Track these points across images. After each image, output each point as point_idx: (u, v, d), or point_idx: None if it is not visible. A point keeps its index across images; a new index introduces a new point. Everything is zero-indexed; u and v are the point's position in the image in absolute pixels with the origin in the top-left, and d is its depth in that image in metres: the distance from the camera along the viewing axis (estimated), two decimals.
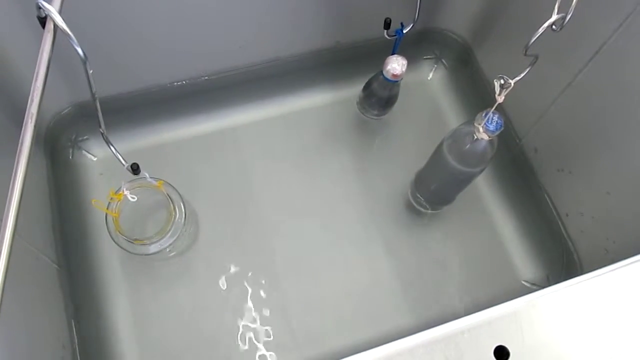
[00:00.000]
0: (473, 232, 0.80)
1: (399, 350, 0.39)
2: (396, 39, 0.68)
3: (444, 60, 0.91)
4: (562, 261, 0.75)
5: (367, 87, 0.77)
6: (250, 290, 0.74)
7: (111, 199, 0.59)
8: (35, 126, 0.36)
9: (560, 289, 0.43)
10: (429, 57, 0.91)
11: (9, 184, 0.33)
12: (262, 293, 0.74)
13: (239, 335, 0.71)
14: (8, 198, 0.34)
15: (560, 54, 0.66)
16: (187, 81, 0.82)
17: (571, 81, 0.66)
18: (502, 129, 0.57)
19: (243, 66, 0.83)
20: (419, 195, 0.76)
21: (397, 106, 0.81)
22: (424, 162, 0.72)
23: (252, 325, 0.72)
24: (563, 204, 0.74)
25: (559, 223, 0.75)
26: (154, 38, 0.72)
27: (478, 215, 0.81)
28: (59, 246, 0.71)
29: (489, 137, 0.58)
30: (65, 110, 0.78)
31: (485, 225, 0.80)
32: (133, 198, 0.61)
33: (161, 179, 0.66)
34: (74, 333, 0.67)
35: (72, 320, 0.68)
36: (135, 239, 0.63)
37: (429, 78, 0.90)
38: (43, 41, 0.38)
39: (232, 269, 0.75)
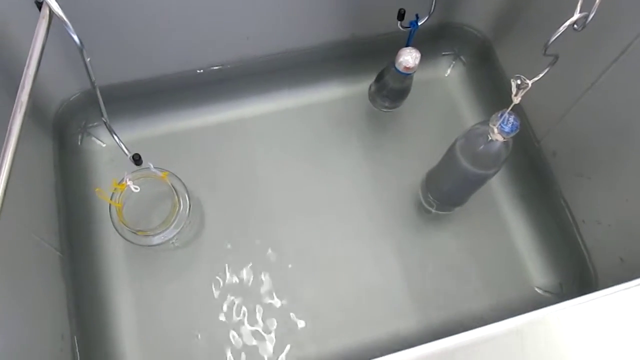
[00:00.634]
0: (485, 234, 0.77)
1: None
2: (410, 31, 0.66)
3: (462, 57, 0.88)
4: (576, 269, 0.73)
5: (379, 79, 0.75)
6: (254, 284, 0.73)
7: (114, 189, 0.58)
8: (25, 114, 0.34)
9: (568, 307, 0.40)
10: (447, 52, 0.88)
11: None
12: (266, 288, 0.73)
13: (241, 329, 0.70)
14: None
15: (582, 54, 0.63)
16: (198, 71, 0.81)
17: (594, 82, 0.63)
18: (518, 130, 0.55)
19: (254, 57, 0.81)
20: (429, 195, 0.74)
21: (412, 102, 0.79)
22: (436, 160, 0.70)
23: (255, 320, 0.71)
24: (580, 211, 0.71)
25: (575, 230, 0.72)
26: (165, 26, 0.70)
27: (491, 218, 0.78)
28: (64, 233, 0.71)
29: (504, 138, 0.55)
30: (75, 97, 0.77)
31: (498, 229, 0.78)
32: (136, 189, 0.60)
33: (166, 170, 0.65)
34: (74, 323, 0.66)
35: (73, 310, 0.67)
36: (139, 230, 0.62)
37: (446, 74, 0.88)
38: (37, 27, 0.36)
39: (237, 262, 0.74)
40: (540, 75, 0.49)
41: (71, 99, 0.77)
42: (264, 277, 0.73)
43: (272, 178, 0.79)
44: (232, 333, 0.70)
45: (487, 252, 0.76)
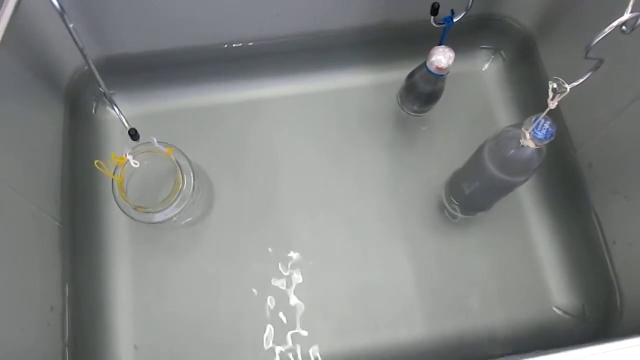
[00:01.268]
0: (507, 244, 0.72)
1: None
2: (444, 27, 0.61)
3: (502, 52, 0.82)
4: (601, 292, 0.67)
5: (409, 78, 0.69)
6: (257, 273, 0.70)
7: (112, 161, 0.55)
8: None
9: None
10: (486, 46, 0.83)
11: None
12: (268, 278, 0.70)
13: (232, 315, 0.68)
14: None
15: (631, 60, 0.57)
16: (220, 46, 0.77)
17: None
18: (553, 138, 0.50)
19: (281, 36, 0.77)
20: (452, 198, 0.69)
21: (444, 95, 0.73)
22: (463, 162, 0.65)
23: (254, 308, 0.68)
24: (612, 231, 0.66)
25: (604, 250, 0.67)
26: None
27: (515, 227, 0.73)
28: (66, 203, 0.69)
29: (536, 145, 0.51)
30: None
31: (522, 239, 0.72)
32: (136, 164, 0.57)
33: (173, 146, 0.62)
34: (67, 296, 0.65)
35: (67, 283, 0.65)
36: (138, 206, 0.60)
37: (483, 69, 0.82)
38: None
39: (243, 248, 0.71)
40: (581, 80, 0.45)
41: (86, 67, 0.74)
42: (268, 267, 0.70)
43: (288, 164, 0.75)
44: (226, 319, 0.68)
45: (507, 262, 0.71)
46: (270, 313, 0.68)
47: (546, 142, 0.50)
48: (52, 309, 0.61)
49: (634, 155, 0.60)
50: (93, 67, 0.47)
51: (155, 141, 0.58)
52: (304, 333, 0.67)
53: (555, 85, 0.46)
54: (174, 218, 0.64)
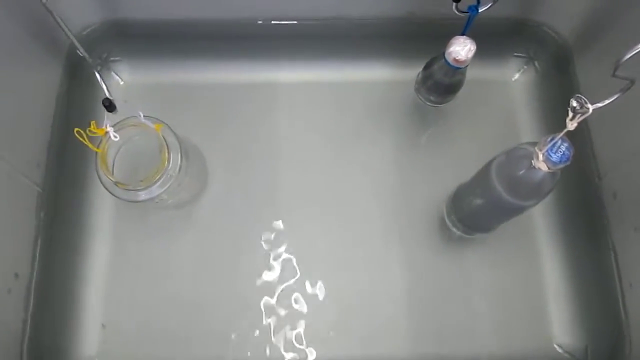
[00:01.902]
0: (511, 269, 0.66)
1: None
2: (468, 16, 0.55)
3: (536, 63, 0.76)
4: (609, 336, 0.61)
5: (427, 67, 0.64)
6: (241, 265, 0.66)
7: (90, 131, 0.52)
8: None
9: None
10: (520, 54, 0.76)
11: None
12: (253, 270, 0.66)
13: (208, 304, 0.65)
14: None
15: None
16: (237, 21, 0.73)
17: None
18: (568, 163, 0.44)
19: (297, 17, 0.72)
20: (453, 214, 0.64)
21: (464, 101, 0.68)
22: (472, 174, 0.60)
23: (231, 298, 0.65)
24: (629, 271, 0.60)
25: (618, 292, 0.61)
26: None
27: (521, 252, 0.67)
28: (51, 170, 0.66)
29: (549, 168, 0.45)
30: (95, 26, 0.71)
31: (528, 266, 0.66)
32: (116, 137, 0.53)
33: (162, 122, 0.58)
34: (36, 265, 0.62)
35: (38, 252, 0.63)
36: (118, 182, 0.56)
37: (513, 79, 0.76)
38: None
39: (230, 237, 0.67)
40: (607, 101, 0.39)
41: (92, 28, 0.71)
42: (253, 258, 0.66)
43: (290, 154, 0.71)
44: (203, 306, 0.64)
45: (510, 288, 0.66)
46: (253, 306, 0.64)
47: (561, 166, 0.44)
48: (17, 277, 0.58)
49: None
50: (69, 33, 0.43)
51: (142, 116, 0.54)
52: (281, 338, 0.63)
53: (575, 104, 0.40)
54: (157, 199, 0.60)
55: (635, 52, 0.36)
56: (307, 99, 0.74)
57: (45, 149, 0.65)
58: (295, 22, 0.73)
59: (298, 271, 0.66)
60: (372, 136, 0.72)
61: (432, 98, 0.68)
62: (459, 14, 0.55)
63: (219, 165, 0.70)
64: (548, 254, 0.67)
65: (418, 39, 0.73)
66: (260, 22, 0.73)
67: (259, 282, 0.65)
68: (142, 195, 0.59)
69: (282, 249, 0.67)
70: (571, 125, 0.42)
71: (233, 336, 0.63)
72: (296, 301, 0.65)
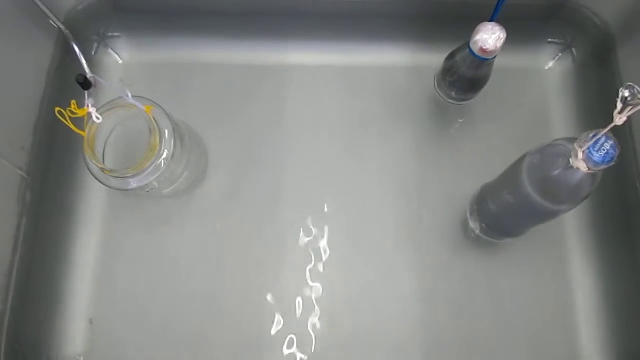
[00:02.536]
0: (539, 281, 0.60)
1: None
2: (498, 1, 0.49)
3: (574, 50, 0.69)
4: None
5: (449, 59, 0.58)
6: (236, 261, 0.62)
7: (70, 111, 0.46)
8: None
9: None
10: (555, 40, 0.69)
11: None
12: (246, 268, 0.62)
13: (205, 300, 0.61)
14: None
15: None
16: None
17: None
18: (613, 163, 0.38)
19: None
20: (477, 215, 0.58)
21: (491, 90, 0.61)
22: (498, 173, 0.54)
23: (220, 295, 0.61)
24: None
25: None
26: None
27: (552, 260, 0.61)
28: (37, 153, 0.61)
29: (589, 169, 0.39)
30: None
31: (559, 278, 0.60)
32: (98, 118, 0.48)
33: (154, 103, 0.53)
34: (17, 255, 0.58)
35: (20, 240, 0.58)
36: (103, 168, 0.51)
37: (547, 67, 0.69)
38: None
39: (228, 230, 0.63)
40: None
41: (87, 1, 0.65)
42: (254, 253, 0.62)
43: (296, 144, 0.65)
44: (195, 302, 0.60)
45: (536, 300, 0.60)
46: (254, 302, 0.60)
47: (603, 167, 0.38)
48: None
49: None
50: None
51: (130, 95, 0.49)
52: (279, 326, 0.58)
53: (627, 94, 0.34)
54: (147, 188, 0.55)
55: None
56: (318, 83, 0.68)
57: (30, 131, 0.60)
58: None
59: (305, 268, 0.61)
60: (386, 127, 0.66)
61: (453, 94, 0.62)
62: None
63: (220, 153, 0.65)
64: (580, 264, 0.61)
65: (441, 21, 0.67)
66: None
67: (261, 277, 0.61)
68: (132, 183, 0.54)
69: (288, 245, 0.62)
70: (619, 119, 0.35)
71: (231, 333, 0.59)
72: (302, 299, 0.60)
